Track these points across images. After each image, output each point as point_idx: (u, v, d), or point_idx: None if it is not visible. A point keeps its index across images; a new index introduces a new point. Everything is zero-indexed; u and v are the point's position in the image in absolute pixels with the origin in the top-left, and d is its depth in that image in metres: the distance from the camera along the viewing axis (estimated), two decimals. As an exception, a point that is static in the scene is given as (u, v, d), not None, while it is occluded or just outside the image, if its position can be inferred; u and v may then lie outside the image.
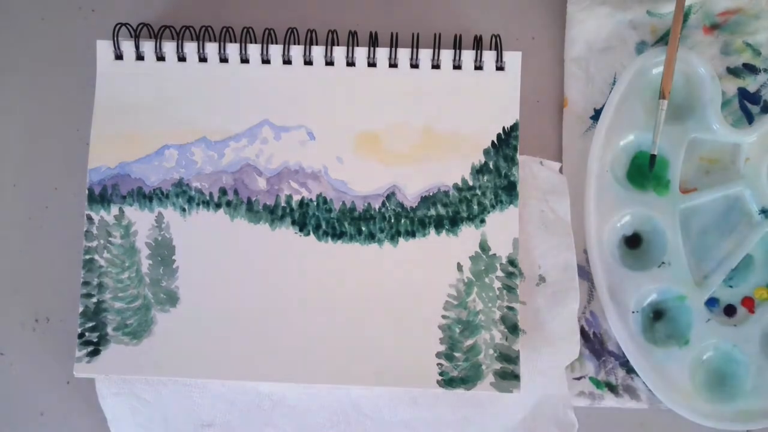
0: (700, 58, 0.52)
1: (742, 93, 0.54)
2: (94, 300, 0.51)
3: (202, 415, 0.51)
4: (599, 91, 0.54)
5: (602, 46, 0.54)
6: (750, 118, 0.53)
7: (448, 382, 0.50)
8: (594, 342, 0.53)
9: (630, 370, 0.52)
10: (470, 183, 0.51)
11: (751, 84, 0.54)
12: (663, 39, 0.54)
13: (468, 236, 0.51)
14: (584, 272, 0.53)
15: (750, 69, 0.54)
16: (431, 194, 0.51)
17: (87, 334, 0.50)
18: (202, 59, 0.52)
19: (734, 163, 0.53)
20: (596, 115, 0.54)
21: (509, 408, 0.51)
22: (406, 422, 0.51)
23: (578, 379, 0.53)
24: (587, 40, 0.54)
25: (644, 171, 0.52)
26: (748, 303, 0.52)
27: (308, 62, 0.52)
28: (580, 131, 0.54)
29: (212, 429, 0.51)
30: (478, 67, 0.52)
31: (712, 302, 0.53)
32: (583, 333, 0.53)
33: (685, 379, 0.51)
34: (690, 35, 0.54)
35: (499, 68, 0.52)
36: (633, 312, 0.52)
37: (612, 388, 0.52)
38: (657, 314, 0.53)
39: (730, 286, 0.53)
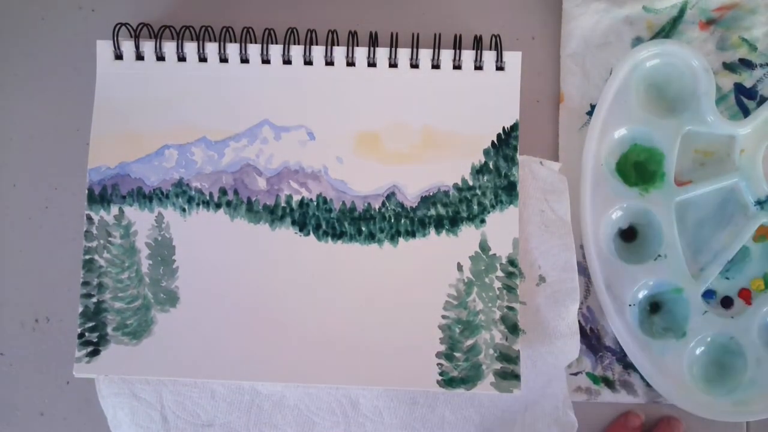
0: (693, 51, 0.52)
1: (739, 88, 0.54)
2: (94, 300, 0.51)
3: (201, 415, 0.51)
4: (595, 86, 0.54)
5: (598, 42, 0.54)
6: (746, 114, 0.53)
7: (448, 382, 0.50)
8: (591, 337, 0.53)
9: (627, 366, 0.52)
10: (470, 183, 0.51)
11: (748, 79, 0.54)
12: (659, 34, 0.54)
13: (468, 236, 0.51)
14: (581, 267, 0.53)
15: (746, 64, 0.54)
16: (431, 194, 0.51)
17: (87, 334, 0.50)
18: (202, 59, 0.52)
19: (729, 155, 0.53)
20: (593, 110, 0.54)
21: (509, 408, 0.51)
22: (406, 422, 0.51)
23: (575, 374, 0.53)
24: (583, 36, 0.54)
25: (639, 164, 0.52)
26: (745, 294, 0.53)
27: (308, 62, 0.52)
28: (577, 127, 0.54)
29: (212, 429, 0.51)
30: (478, 67, 0.52)
31: (709, 294, 0.53)
32: (581, 328, 0.53)
33: (682, 372, 0.51)
34: (686, 31, 0.54)
35: (499, 68, 0.52)
36: (630, 305, 0.52)
37: (609, 384, 0.53)
38: (654, 307, 0.53)
39: (727, 278, 0.53)
